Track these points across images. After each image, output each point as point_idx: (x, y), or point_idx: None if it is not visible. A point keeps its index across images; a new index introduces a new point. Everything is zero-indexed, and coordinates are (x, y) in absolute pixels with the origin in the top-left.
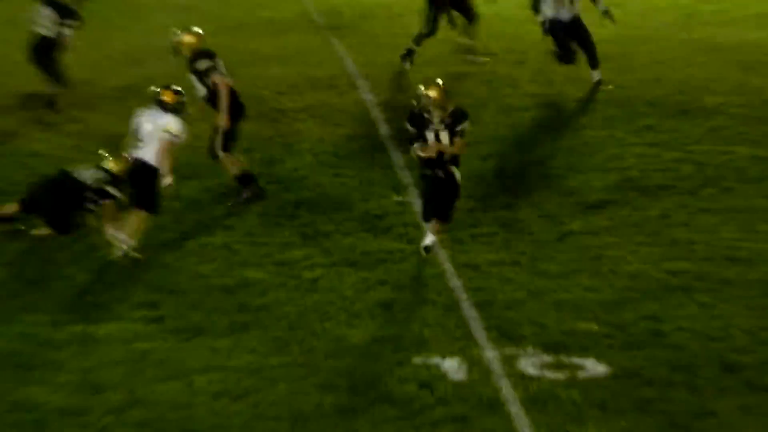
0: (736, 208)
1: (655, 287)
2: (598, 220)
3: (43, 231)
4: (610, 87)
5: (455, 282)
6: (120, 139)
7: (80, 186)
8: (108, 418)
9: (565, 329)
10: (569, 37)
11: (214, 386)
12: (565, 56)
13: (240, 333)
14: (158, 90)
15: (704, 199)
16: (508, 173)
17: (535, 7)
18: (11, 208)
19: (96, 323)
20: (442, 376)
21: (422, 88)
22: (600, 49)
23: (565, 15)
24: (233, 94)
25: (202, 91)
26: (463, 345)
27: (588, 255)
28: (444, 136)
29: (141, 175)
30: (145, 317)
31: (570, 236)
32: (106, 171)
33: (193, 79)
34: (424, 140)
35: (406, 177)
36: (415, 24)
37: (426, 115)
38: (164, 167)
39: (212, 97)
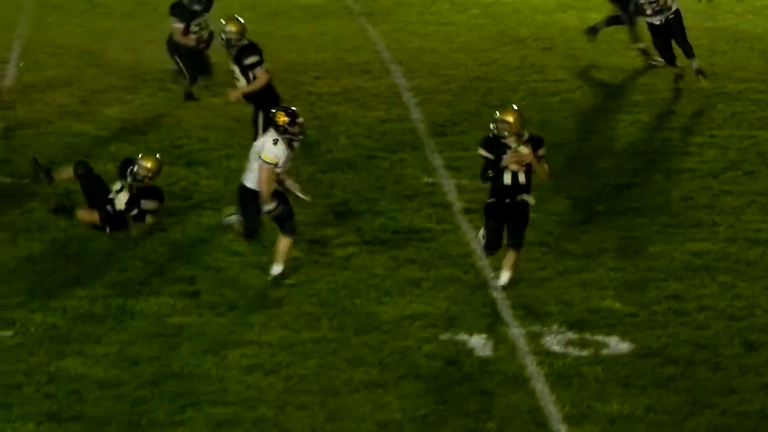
0: (758, 191)
1: (678, 267)
2: (623, 202)
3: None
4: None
5: (483, 261)
6: (162, 118)
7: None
8: (143, 390)
9: (590, 308)
10: (667, 39)
11: (247, 360)
12: (669, 59)
13: (273, 309)
14: (274, 111)
15: (727, 182)
16: None
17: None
18: (67, 173)
19: (133, 298)
20: (469, 353)
21: (498, 113)
22: (625, 37)
23: (655, 19)
24: (269, 86)
25: (243, 82)
26: (490, 322)
27: (613, 236)
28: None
29: (239, 198)
30: (181, 292)
31: (596, 217)
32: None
33: (237, 70)
34: (499, 167)
35: (436, 159)
36: (446, 11)
37: (502, 140)
38: (263, 193)
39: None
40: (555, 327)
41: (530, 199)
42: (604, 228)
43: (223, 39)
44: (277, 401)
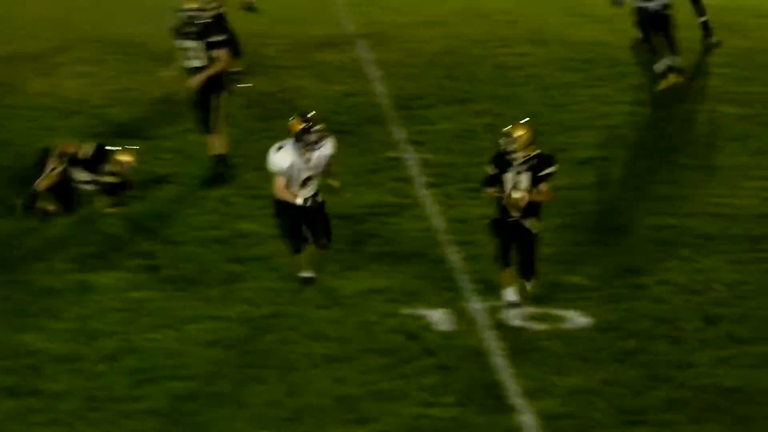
0: (719, 165)
1: (639, 241)
2: (585, 176)
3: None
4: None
5: (444, 236)
6: (125, 92)
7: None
8: (102, 365)
9: (550, 282)
10: (654, 28)
11: (207, 335)
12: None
13: (233, 283)
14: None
15: (689, 156)
16: (499, 129)
17: None
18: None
19: (93, 272)
20: (429, 327)
21: (509, 127)
22: (590, 11)
23: (651, 5)
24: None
25: (201, 61)
26: (451, 297)
27: (575, 210)
28: (524, 179)
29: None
30: (140, 267)
31: (558, 192)
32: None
33: (200, 47)
34: (500, 182)
35: (400, 133)
36: None
37: (508, 156)
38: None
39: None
40: None
41: (530, 224)
42: (565, 202)
43: (182, 17)
44: (237, 376)
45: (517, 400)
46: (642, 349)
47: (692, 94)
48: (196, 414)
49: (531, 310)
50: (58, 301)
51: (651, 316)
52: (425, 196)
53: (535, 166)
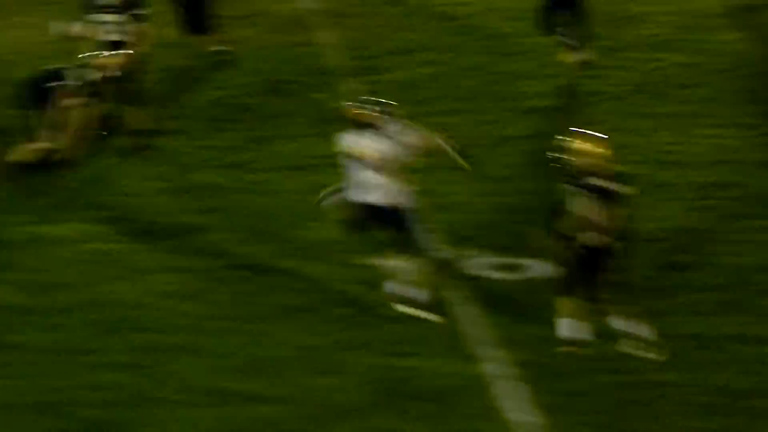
0: (666, 113)
1: None
2: (536, 125)
3: None
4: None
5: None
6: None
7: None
8: (58, 317)
9: (516, 231)
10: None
11: (164, 287)
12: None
13: (190, 235)
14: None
15: (635, 104)
16: (450, 84)
17: None
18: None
19: (48, 224)
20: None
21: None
22: None
23: None
24: None
25: (116, 36)
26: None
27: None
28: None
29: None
30: (96, 218)
31: (509, 141)
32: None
33: (120, 20)
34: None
35: (352, 83)
36: None
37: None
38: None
39: (120, 46)
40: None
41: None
42: (520, 152)
43: None
44: (194, 327)
45: (484, 349)
46: None
47: (635, 43)
48: (156, 365)
49: (494, 260)
50: (12, 253)
51: None
52: None
53: None
